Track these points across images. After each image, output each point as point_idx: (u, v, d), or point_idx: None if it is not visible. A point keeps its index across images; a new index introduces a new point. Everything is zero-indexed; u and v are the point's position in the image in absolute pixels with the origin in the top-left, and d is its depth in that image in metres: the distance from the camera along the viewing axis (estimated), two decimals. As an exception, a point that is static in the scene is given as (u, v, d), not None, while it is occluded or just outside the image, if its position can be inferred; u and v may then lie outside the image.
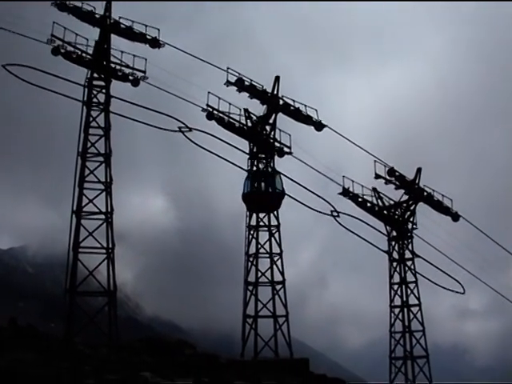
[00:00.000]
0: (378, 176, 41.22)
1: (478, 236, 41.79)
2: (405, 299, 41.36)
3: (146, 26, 34.09)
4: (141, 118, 32.71)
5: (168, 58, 35.46)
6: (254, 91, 37.68)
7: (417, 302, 41.43)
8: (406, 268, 41.62)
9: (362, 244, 38.21)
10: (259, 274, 36.63)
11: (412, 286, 41.43)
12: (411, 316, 41.13)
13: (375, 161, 41.01)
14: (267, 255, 36.91)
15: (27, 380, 21.18)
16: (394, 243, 42.03)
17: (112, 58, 33.37)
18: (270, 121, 37.96)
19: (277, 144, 38.09)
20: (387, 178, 41.50)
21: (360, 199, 40.66)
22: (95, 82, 33.00)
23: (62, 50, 32.27)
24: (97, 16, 32.81)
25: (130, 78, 33.72)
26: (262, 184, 37.32)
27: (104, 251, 31.32)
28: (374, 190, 41.38)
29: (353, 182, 40.33)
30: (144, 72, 33.65)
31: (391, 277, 41.83)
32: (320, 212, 36.08)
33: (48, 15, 31.58)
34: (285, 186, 37.09)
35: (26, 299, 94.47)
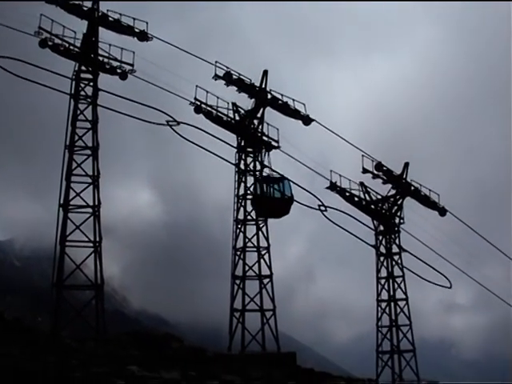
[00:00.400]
0: (365, 170, 41.36)
1: (464, 231, 41.93)
2: (392, 293, 41.48)
3: (134, 19, 33.90)
4: (128, 112, 32.20)
5: (156, 51, 35.35)
6: (242, 85, 37.66)
7: (404, 297, 41.55)
8: (393, 262, 41.73)
9: (350, 238, 37.73)
10: (246, 268, 36.66)
11: (399, 280, 41.55)
12: (398, 310, 41.27)
13: (363, 155, 41.10)
14: (255, 249, 36.94)
15: (14, 374, 21.12)
16: (381, 237, 42.14)
17: (100, 51, 33.19)
18: (258, 115, 37.95)
19: (265, 138, 38.06)
20: (375, 172, 41.65)
21: (347, 193, 40.74)
22: (83, 75, 32.82)
23: (50, 43, 32.06)
24: (85, 9, 32.57)
25: (118, 71, 33.56)
26: (271, 189, 36.80)
27: (91, 245, 31.25)
28: (362, 184, 41.51)
29: (340, 176, 40.42)
30: (132, 65, 33.52)
31: (378, 271, 41.93)
32: (307, 206, 35.93)
33: (35, 7, 31.35)
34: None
35: (13, 293, 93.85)
